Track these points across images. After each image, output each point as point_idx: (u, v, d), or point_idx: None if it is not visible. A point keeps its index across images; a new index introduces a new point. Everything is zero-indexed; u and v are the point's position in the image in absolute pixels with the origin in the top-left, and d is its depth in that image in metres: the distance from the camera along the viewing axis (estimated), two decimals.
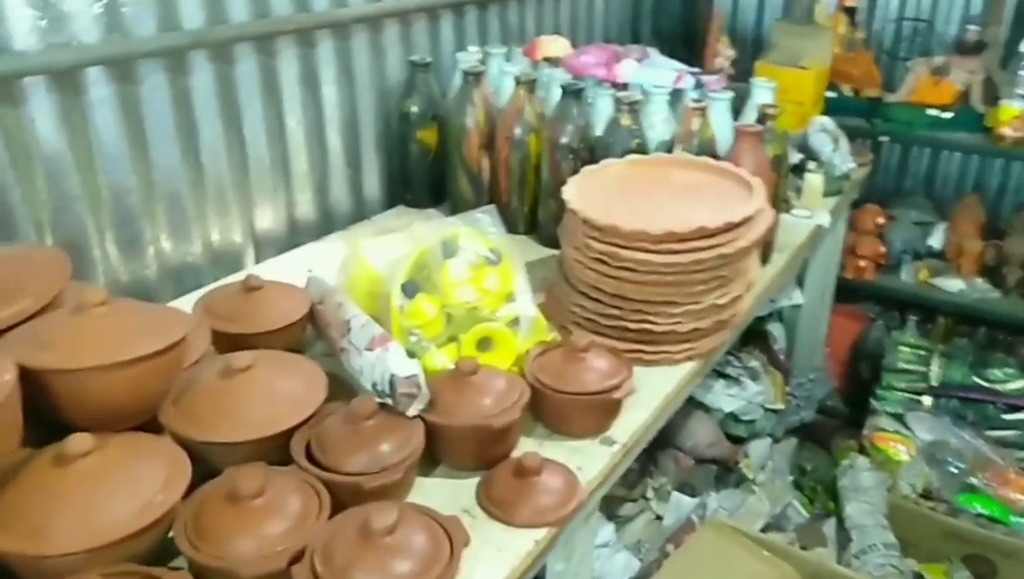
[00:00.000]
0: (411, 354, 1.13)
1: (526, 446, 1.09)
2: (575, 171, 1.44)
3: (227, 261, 1.67)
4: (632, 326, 1.24)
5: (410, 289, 1.16)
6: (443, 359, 1.15)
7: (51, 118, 1.33)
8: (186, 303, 1.31)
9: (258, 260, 1.73)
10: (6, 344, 0.90)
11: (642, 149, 1.53)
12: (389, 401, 0.99)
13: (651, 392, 1.22)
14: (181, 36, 1.47)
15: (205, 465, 0.97)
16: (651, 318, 1.23)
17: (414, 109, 1.82)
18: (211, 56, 1.53)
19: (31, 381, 0.86)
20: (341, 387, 1.09)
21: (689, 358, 1.29)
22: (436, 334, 1.17)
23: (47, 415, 0.90)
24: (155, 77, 1.46)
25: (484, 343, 1.17)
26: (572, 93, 1.59)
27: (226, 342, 1.22)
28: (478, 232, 1.22)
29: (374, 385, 1.01)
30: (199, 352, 1.12)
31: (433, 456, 1.05)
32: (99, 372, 0.87)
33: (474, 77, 1.72)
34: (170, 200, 1.53)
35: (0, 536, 0.79)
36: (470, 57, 1.83)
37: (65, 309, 0.93)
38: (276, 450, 0.97)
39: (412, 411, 0.99)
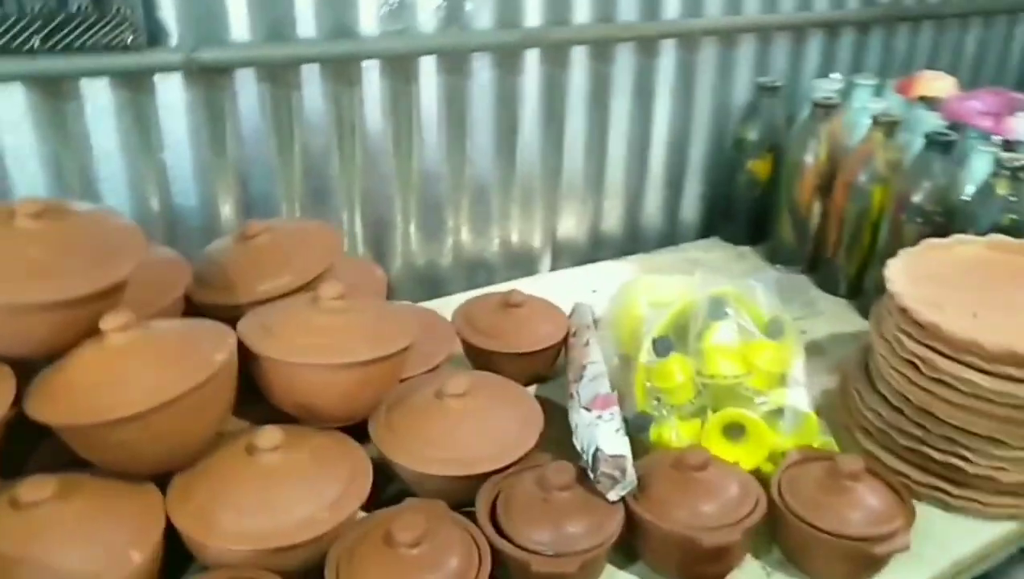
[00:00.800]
0: (642, 420, 0.99)
1: (750, 570, 0.90)
2: (919, 239, 1.17)
3: (522, 262, 1.64)
4: (936, 456, 0.97)
5: (662, 346, 1.01)
6: (681, 435, 0.99)
7: (380, 101, 1.38)
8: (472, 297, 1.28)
9: (553, 267, 1.68)
10: (248, 319, 0.93)
11: (1015, 230, 1.19)
12: (591, 475, 0.86)
13: (940, 548, 0.94)
14: (517, 34, 1.45)
15: (398, 482, 0.93)
16: (964, 453, 0.95)
17: (751, 136, 1.63)
18: (544, 57, 1.50)
19: (251, 360, 0.87)
20: (563, 432, 0.98)
21: (1011, 517, 0.98)
22: (682, 403, 1.01)
23: (263, 395, 0.91)
24: (484, 73, 1.45)
25: (733, 430, 0.99)
26: (938, 144, 1.29)
27: (475, 355, 1.18)
28: (750, 301, 1.03)
29: (581, 450, 0.89)
30: (438, 359, 1.09)
31: (634, 546, 0.90)
32: (309, 369, 0.86)
33: (824, 109, 1.48)
34: (477, 194, 1.53)
35: (177, 507, 0.81)
36: (828, 85, 1.59)
37: (303, 298, 0.93)
38: (465, 489, 0.89)
39: (612, 495, 0.85)
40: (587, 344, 1.08)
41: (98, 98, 1.18)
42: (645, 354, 1.03)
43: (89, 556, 0.75)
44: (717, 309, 1.03)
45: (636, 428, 1.00)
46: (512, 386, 1.03)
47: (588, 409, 0.91)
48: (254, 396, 0.92)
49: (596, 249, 1.72)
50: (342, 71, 1.33)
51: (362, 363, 0.88)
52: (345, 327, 0.90)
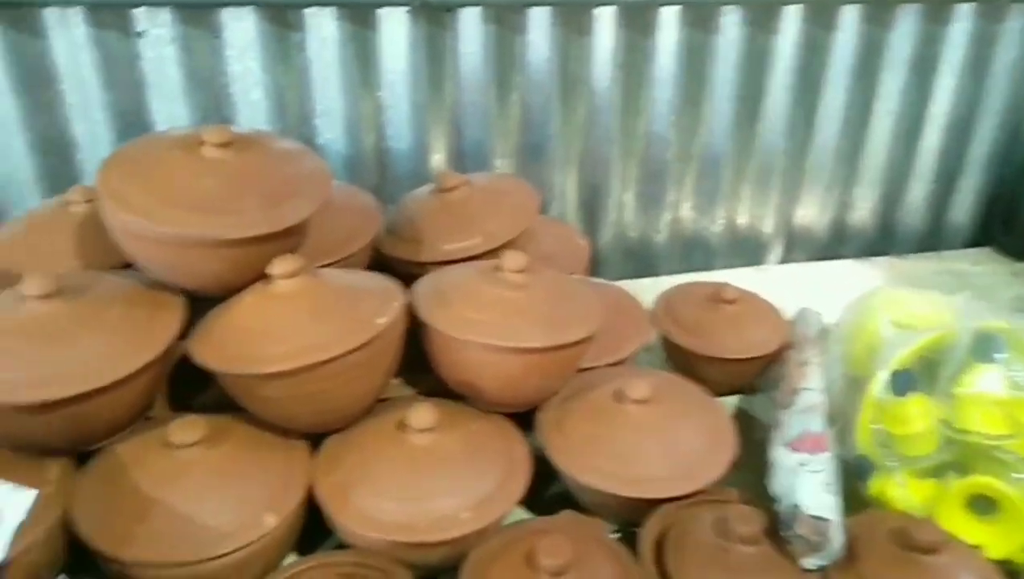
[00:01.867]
0: (862, 465, 0.81)
1: None
2: None
3: (748, 249, 1.46)
4: None
5: (903, 382, 0.82)
6: (910, 496, 0.80)
7: (611, 53, 1.25)
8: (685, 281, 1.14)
9: (784, 259, 1.49)
10: (427, 280, 0.85)
11: None
12: (785, 531, 0.71)
13: None
14: None
15: (561, 484, 0.83)
16: None
17: None
18: (806, 15, 1.29)
19: (421, 326, 0.80)
20: (759, 458, 0.82)
21: None
22: (917, 455, 0.82)
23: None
24: (733, 29, 1.28)
25: (981, 504, 0.78)
26: None
27: (671, 352, 1.04)
28: None
29: (777, 497, 0.73)
30: (627, 351, 0.97)
31: None
32: (474, 348, 0.78)
33: None
34: (706, 166, 1.37)
35: (322, 475, 0.76)
36: None
37: (486, 265, 0.84)
38: (632, 511, 0.78)
39: (808, 564, 0.69)
40: (806, 363, 0.90)
41: (323, 29, 1.15)
42: (878, 387, 0.84)
43: (224, 512, 0.72)
44: (984, 349, 0.81)
45: (853, 474, 0.82)
46: (706, 397, 0.88)
47: (793, 449, 0.75)
48: (427, 364, 0.85)
49: (838, 244, 1.49)
50: (573, 18, 1.22)
51: (532, 350, 0.78)
52: (522, 305, 0.80)
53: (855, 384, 0.90)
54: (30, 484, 0.72)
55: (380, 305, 0.77)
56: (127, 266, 0.82)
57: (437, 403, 0.80)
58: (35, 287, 0.73)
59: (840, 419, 0.86)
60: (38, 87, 1.10)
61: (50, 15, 1.06)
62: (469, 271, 0.85)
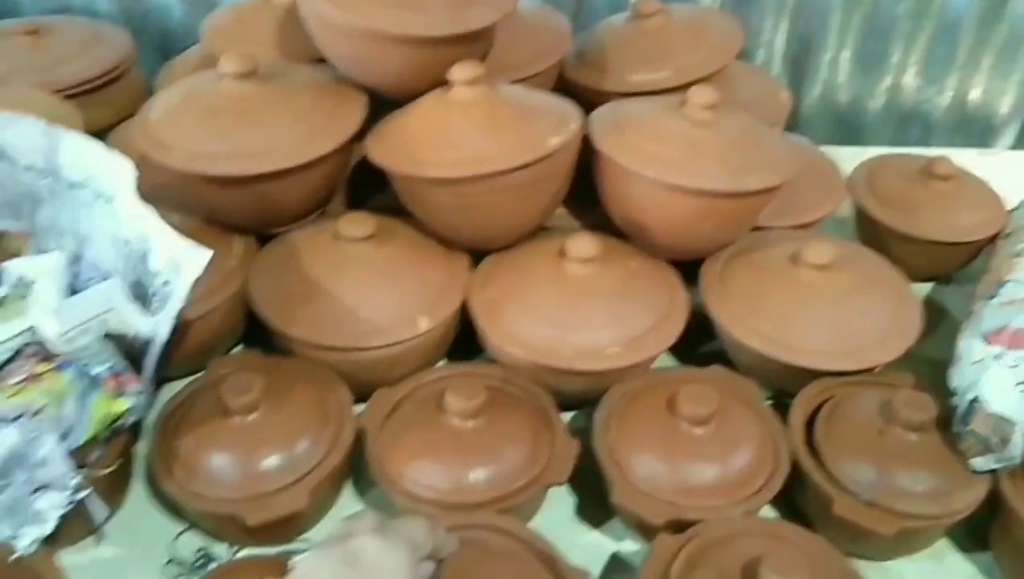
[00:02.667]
0: None
1: None
2: None
3: (976, 129, 1.30)
4: None
5: None
6: None
7: None
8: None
9: (1017, 145, 1.31)
10: (605, 108, 0.81)
11: None
12: (957, 426, 0.64)
13: None
14: None
15: (717, 343, 0.79)
16: None
17: None
18: None
19: (594, 155, 0.77)
20: (943, 352, 0.74)
21: None
22: None
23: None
24: None
25: None
26: None
27: (864, 226, 0.95)
28: None
29: (955, 389, 0.66)
30: (813, 216, 0.89)
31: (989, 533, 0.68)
32: (645, 183, 0.73)
33: None
34: (943, 27, 1.20)
35: (476, 289, 0.77)
36: None
37: (671, 99, 0.79)
38: (788, 379, 0.73)
39: (978, 464, 0.63)
40: (1018, 255, 0.80)
41: None
42: None
43: (383, 308, 0.74)
44: None
45: None
46: (894, 275, 0.80)
47: (987, 340, 0.67)
48: (597, 199, 0.82)
49: None
50: None
51: (709, 193, 0.72)
52: (705, 144, 0.74)
53: None
54: (216, 255, 0.77)
55: (555, 126, 0.74)
56: (320, 61, 0.83)
57: (600, 236, 0.77)
58: (231, 66, 0.75)
59: None
60: None
61: None
62: (653, 103, 0.80)
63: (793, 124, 1.26)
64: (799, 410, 0.70)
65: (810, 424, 0.70)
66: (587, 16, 1.18)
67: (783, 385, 0.76)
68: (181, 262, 0.58)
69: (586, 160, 0.79)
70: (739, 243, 0.82)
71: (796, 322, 0.74)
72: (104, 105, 0.98)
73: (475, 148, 0.71)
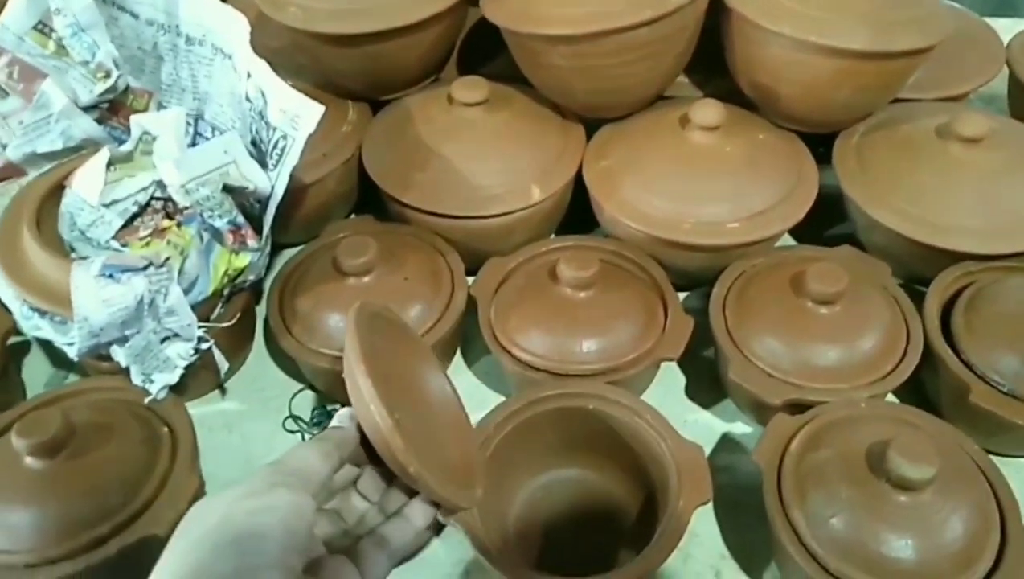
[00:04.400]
0: None
1: None
2: None
3: None
4: None
5: None
6: None
7: None
8: None
9: None
10: None
11: None
12: None
13: None
14: None
15: (849, 225, 0.74)
16: None
17: None
18: None
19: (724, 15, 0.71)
20: None
21: None
22: None
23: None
24: None
25: None
26: None
27: None
28: None
29: None
30: (965, 87, 0.82)
31: None
32: (779, 40, 0.67)
33: None
34: None
35: (591, 161, 0.74)
36: None
37: None
38: (926, 262, 0.68)
39: None
40: None
41: None
42: None
43: (496, 175, 0.72)
44: None
45: None
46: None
47: None
48: (723, 67, 0.77)
49: None
50: None
51: (849, 52, 0.66)
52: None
53: None
54: (331, 120, 0.77)
55: None
56: None
57: (726, 104, 0.72)
58: None
59: None
60: None
61: None
62: None
63: None
64: (936, 295, 0.66)
65: (947, 313, 0.65)
66: None
67: (921, 270, 0.70)
68: (296, 117, 0.57)
69: (713, 21, 0.73)
70: (879, 115, 0.76)
71: (941, 201, 0.68)
72: None
73: (596, 3, 0.67)
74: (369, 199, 0.79)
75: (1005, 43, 0.88)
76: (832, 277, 0.62)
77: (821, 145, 0.76)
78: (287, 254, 0.76)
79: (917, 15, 0.69)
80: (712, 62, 0.77)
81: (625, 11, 0.65)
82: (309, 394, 0.70)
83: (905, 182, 0.70)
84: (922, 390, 0.66)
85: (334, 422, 0.40)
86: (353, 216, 0.83)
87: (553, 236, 0.79)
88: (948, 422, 0.59)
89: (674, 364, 0.69)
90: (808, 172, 0.72)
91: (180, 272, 0.57)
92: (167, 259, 0.56)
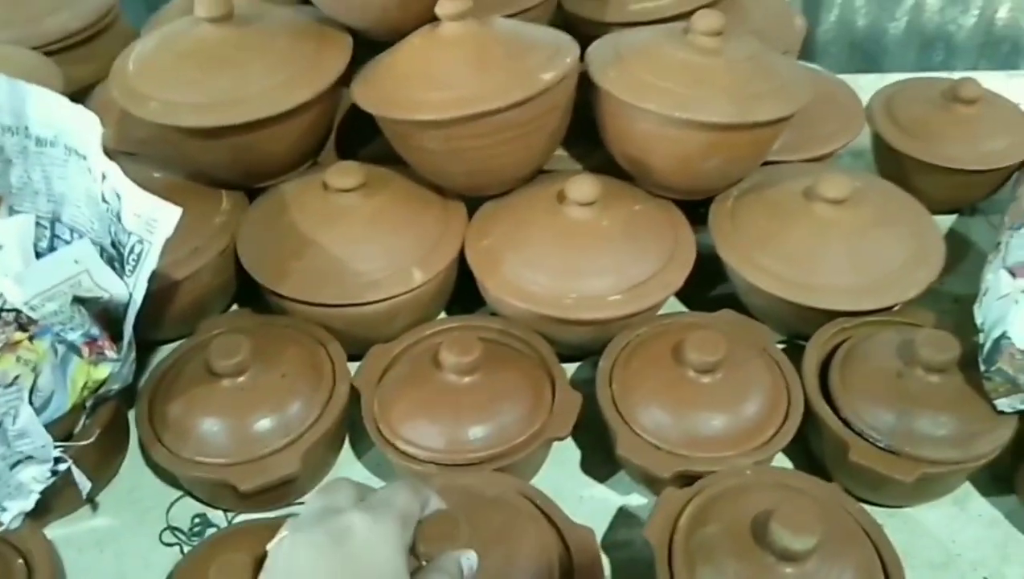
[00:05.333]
0: None
1: None
2: None
3: (1003, 50, 1.23)
4: None
5: None
6: None
7: None
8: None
9: None
10: (605, 40, 0.76)
11: None
12: (982, 365, 0.60)
13: None
14: None
15: (729, 286, 0.76)
16: None
17: None
18: None
19: (593, 90, 0.73)
20: (970, 287, 0.70)
21: None
22: None
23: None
24: None
25: None
26: None
27: (884, 155, 0.91)
28: None
29: (981, 325, 0.62)
30: (830, 147, 0.85)
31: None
32: (645, 116, 0.69)
33: None
34: None
35: (473, 238, 0.73)
36: None
37: (675, 27, 0.74)
38: (803, 321, 0.70)
39: (1004, 405, 0.59)
40: None
41: None
42: None
43: (375, 261, 0.71)
44: None
45: None
46: (915, 206, 0.76)
47: (1014, 273, 0.62)
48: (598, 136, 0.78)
49: None
50: None
51: (716, 125, 0.68)
52: (710, 73, 0.70)
53: None
54: (204, 212, 0.75)
55: (550, 60, 0.69)
56: (303, 1, 0.79)
57: (601, 178, 0.73)
58: (206, 9, 0.71)
59: None
60: None
61: None
62: (654, 31, 0.75)
63: (809, 52, 1.20)
64: (813, 353, 0.67)
65: (826, 368, 0.66)
66: None
67: (798, 328, 0.72)
68: (152, 221, 0.55)
69: (586, 96, 0.75)
70: (750, 179, 0.78)
71: (811, 261, 0.70)
72: (88, 60, 0.94)
73: (465, 87, 0.67)
74: (249, 289, 0.76)
75: (868, 100, 0.93)
76: (710, 346, 0.62)
77: (702, 206, 0.77)
78: (164, 350, 0.73)
79: (777, 85, 0.72)
80: (590, 133, 0.78)
81: (494, 93, 0.66)
82: (189, 502, 0.67)
83: (777, 244, 0.72)
84: (808, 448, 0.67)
85: None
86: (234, 306, 0.80)
87: (443, 314, 0.78)
88: (834, 478, 0.60)
89: (569, 438, 0.68)
90: (685, 240, 0.74)
91: (32, 389, 0.54)
92: (16, 378, 0.53)
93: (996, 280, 0.63)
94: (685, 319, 0.71)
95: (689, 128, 0.68)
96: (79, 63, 0.91)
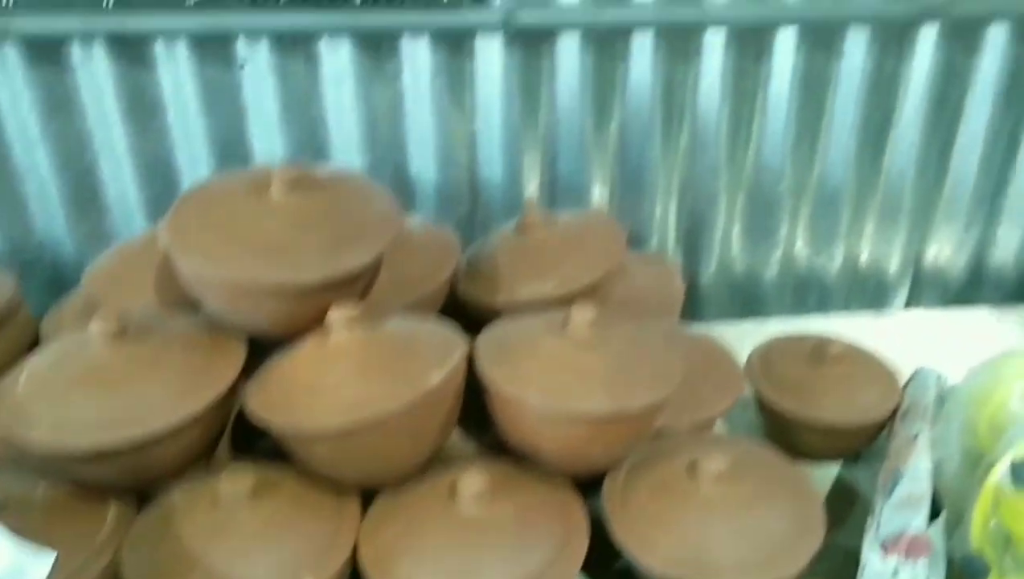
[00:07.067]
0: (974, 565, 0.70)
1: None
2: None
3: (869, 292, 1.34)
4: None
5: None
6: None
7: (720, 79, 1.17)
8: (798, 325, 1.05)
9: (911, 303, 1.35)
10: (492, 330, 0.81)
11: None
12: None
13: None
14: (914, 5, 1.13)
15: (627, 560, 0.76)
16: None
17: None
18: (946, 34, 1.16)
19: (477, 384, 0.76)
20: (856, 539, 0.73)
21: None
22: None
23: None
24: (858, 52, 1.17)
25: None
26: None
27: (766, 412, 0.96)
28: None
29: None
30: (714, 410, 0.89)
31: None
32: (532, 409, 0.72)
33: None
34: (824, 199, 1.26)
35: (367, 537, 0.73)
36: None
37: (554, 318, 0.79)
38: None
39: None
40: (914, 438, 0.80)
41: (417, 57, 1.13)
42: (999, 475, 0.73)
43: (263, 570, 0.69)
44: None
45: (963, 575, 0.71)
46: (794, 474, 0.80)
47: (886, 550, 0.65)
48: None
49: (975, 289, 1.34)
50: (680, 42, 1.14)
51: (593, 416, 0.72)
52: (587, 365, 0.74)
53: (975, 462, 0.79)
54: (87, 524, 0.73)
55: (438, 359, 0.73)
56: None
57: (491, 466, 0.75)
58: (99, 328, 0.73)
59: (954, 504, 0.75)
60: (145, 116, 1.13)
61: (159, 48, 1.09)
62: (536, 323, 0.80)
63: (692, 300, 1.28)
64: None
65: None
66: (484, 217, 1.21)
67: None
68: (22, 569, 0.54)
69: (479, 378, 0.78)
70: (640, 452, 0.81)
71: (699, 539, 0.72)
72: None
73: (351, 396, 0.70)
74: None
75: (748, 352, 0.99)
76: None
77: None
78: None
79: (653, 367, 0.77)
80: (483, 412, 0.80)
81: (381, 400, 0.69)
82: None
83: (665, 521, 0.73)
84: None
85: None
86: None
87: None
88: None
89: None
90: (577, 522, 0.75)
91: None
92: None
93: (870, 558, 0.66)
94: None
95: (570, 419, 0.72)
96: None
